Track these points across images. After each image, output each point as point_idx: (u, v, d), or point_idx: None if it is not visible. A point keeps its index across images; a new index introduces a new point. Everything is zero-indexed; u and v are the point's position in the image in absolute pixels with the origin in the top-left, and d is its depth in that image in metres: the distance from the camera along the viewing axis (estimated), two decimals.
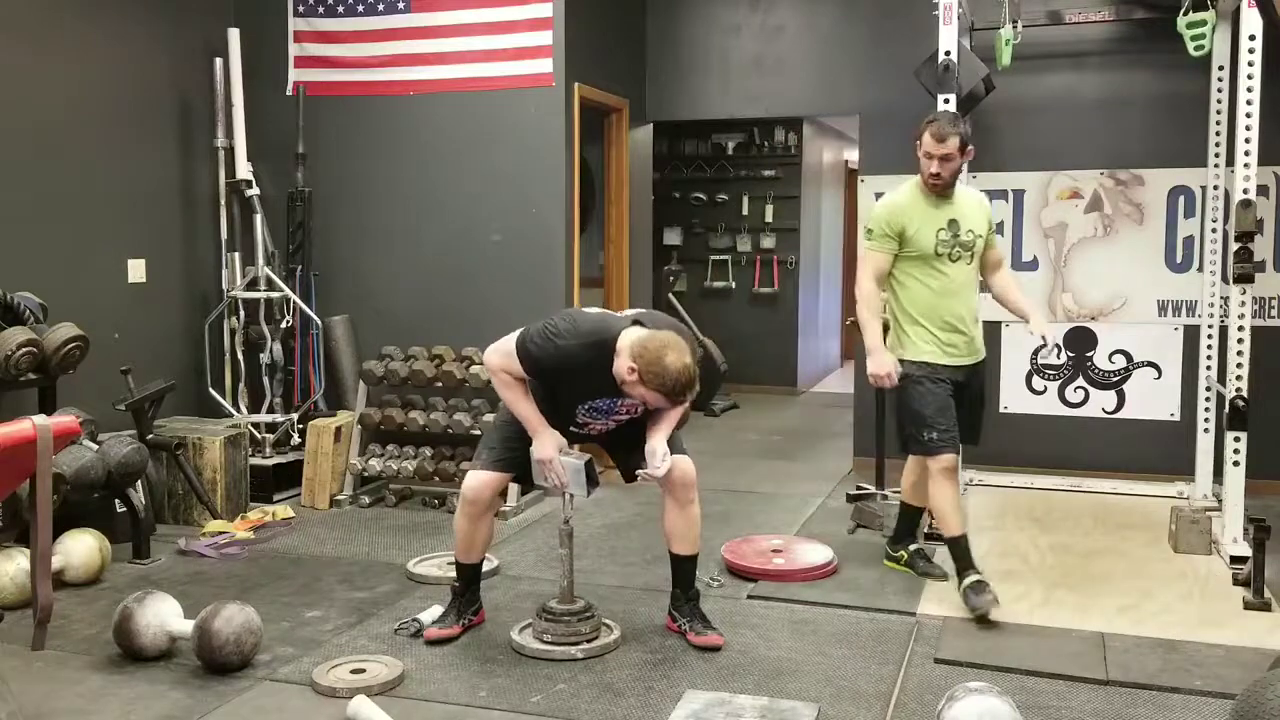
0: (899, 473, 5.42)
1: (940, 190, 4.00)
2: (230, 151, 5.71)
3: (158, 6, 5.46)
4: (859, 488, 5.53)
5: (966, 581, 3.84)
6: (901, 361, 4.05)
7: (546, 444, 3.44)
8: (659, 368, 3.16)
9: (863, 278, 4.07)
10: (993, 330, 5.98)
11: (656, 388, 3.18)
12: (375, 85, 5.75)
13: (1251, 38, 4.30)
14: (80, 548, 4.12)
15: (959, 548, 3.95)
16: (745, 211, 9.35)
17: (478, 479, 3.56)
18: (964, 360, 4.06)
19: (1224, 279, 5.08)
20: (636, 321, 3.35)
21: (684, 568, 3.65)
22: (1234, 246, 4.36)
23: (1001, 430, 5.99)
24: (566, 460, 3.45)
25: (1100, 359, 5.91)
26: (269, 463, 5.47)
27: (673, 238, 9.32)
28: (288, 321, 5.67)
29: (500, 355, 3.43)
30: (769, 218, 9.29)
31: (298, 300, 5.65)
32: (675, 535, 3.61)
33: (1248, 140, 4.31)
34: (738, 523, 5.08)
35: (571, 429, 3.54)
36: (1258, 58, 4.29)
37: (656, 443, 3.43)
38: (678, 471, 3.50)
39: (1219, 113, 5.19)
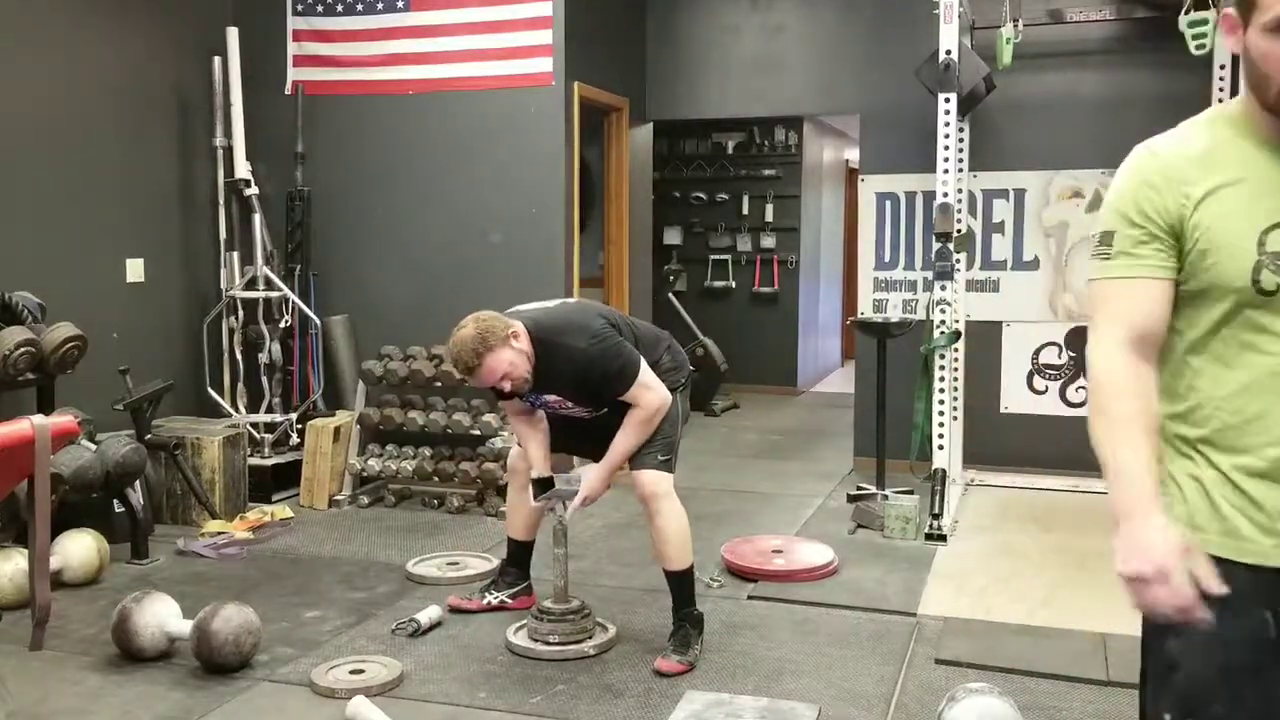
0: (899, 473, 5.44)
1: None
2: (229, 151, 5.69)
3: (157, 6, 5.45)
4: (859, 488, 5.52)
5: None
6: None
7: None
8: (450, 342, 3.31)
9: (1095, 343, 1.65)
10: (992, 330, 5.99)
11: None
12: (374, 84, 5.74)
13: None
14: (78, 548, 4.12)
15: None
16: (745, 211, 9.34)
17: (513, 450, 3.78)
18: None
19: None
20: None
21: (669, 582, 3.51)
22: None
23: (1002, 430, 5.99)
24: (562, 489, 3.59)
25: None
26: (268, 463, 5.46)
27: (673, 237, 9.31)
28: (287, 321, 5.66)
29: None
30: (769, 217, 9.28)
31: (297, 300, 5.64)
32: (654, 550, 3.55)
33: None
34: (738, 523, 5.07)
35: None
36: None
37: (585, 474, 3.53)
38: (636, 486, 3.49)
39: None
